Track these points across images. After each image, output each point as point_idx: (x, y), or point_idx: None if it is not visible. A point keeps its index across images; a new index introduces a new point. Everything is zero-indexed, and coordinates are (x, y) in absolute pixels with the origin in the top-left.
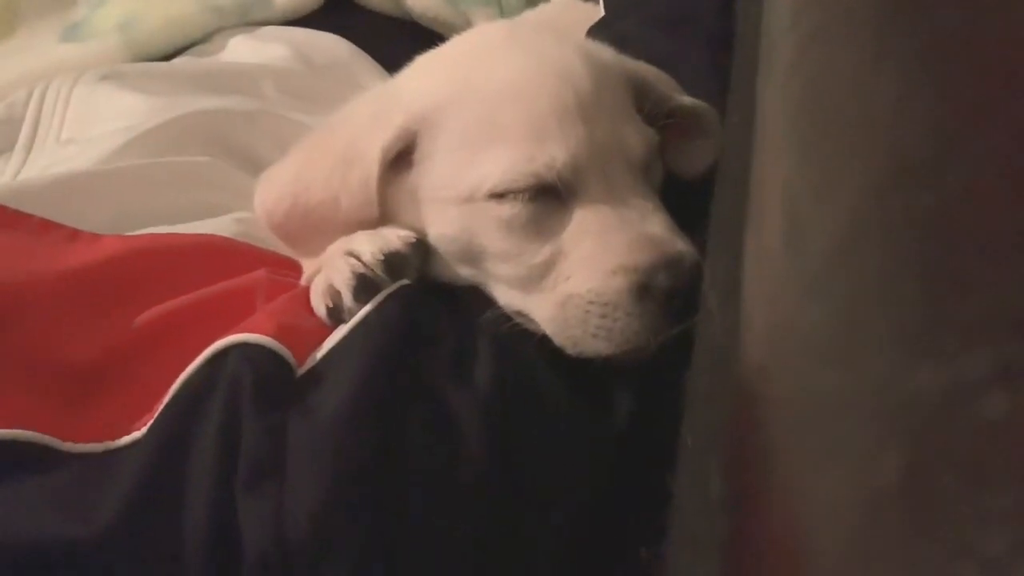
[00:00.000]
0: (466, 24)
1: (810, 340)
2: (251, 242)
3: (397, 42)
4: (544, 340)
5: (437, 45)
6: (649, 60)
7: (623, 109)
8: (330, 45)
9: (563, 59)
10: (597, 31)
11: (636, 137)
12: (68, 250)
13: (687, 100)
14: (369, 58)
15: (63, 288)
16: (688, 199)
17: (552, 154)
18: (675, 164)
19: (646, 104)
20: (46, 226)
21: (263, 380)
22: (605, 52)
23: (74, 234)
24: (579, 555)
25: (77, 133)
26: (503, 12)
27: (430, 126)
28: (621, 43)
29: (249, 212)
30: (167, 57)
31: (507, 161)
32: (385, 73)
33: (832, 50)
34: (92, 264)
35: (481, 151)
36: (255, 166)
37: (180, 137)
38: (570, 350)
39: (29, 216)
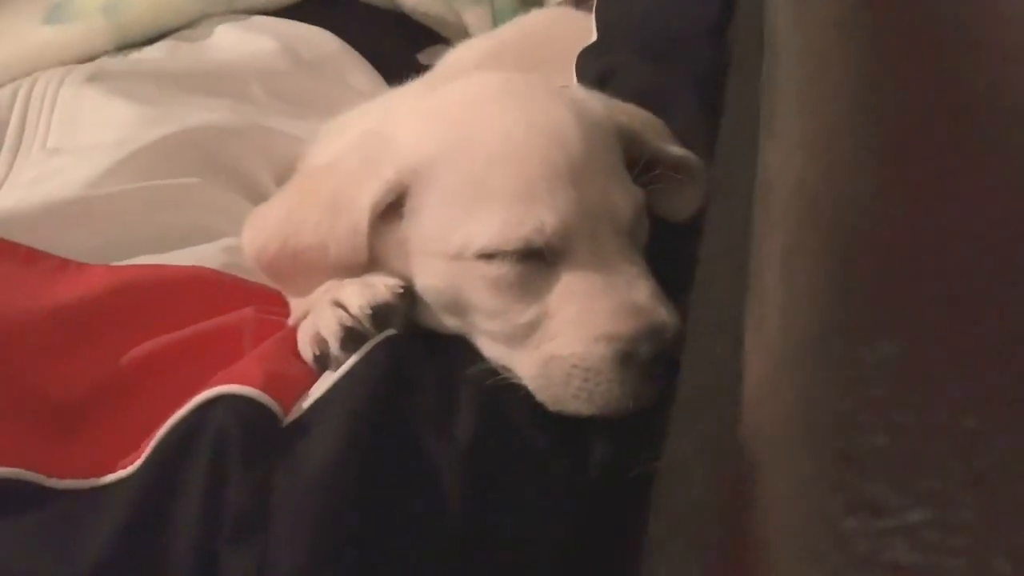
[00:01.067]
0: (457, 20)
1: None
2: (238, 274)
3: (387, 36)
4: (527, 393)
5: (427, 41)
6: (639, 94)
7: (613, 170)
8: (318, 40)
9: (555, 119)
10: (588, 57)
11: (625, 200)
12: (56, 282)
13: (675, 151)
14: (357, 54)
15: (51, 323)
16: (673, 242)
17: (542, 219)
18: (661, 209)
19: (635, 154)
20: (34, 256)
21: (250, 433)
22: (596, 105)
23: (62, 264)
24: None
25: (63, 141)
26: (494, 10)
27: (421, 180)
28: (611, 76)
29: (236, 237)
30: (152, 40)
31: (497, 223)
32: (373, 71)
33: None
34: (81, 298)
35: (471, 210)
36: (243, 184)
37: (169, 156)
38: (551, 407)
39: (17, 245)
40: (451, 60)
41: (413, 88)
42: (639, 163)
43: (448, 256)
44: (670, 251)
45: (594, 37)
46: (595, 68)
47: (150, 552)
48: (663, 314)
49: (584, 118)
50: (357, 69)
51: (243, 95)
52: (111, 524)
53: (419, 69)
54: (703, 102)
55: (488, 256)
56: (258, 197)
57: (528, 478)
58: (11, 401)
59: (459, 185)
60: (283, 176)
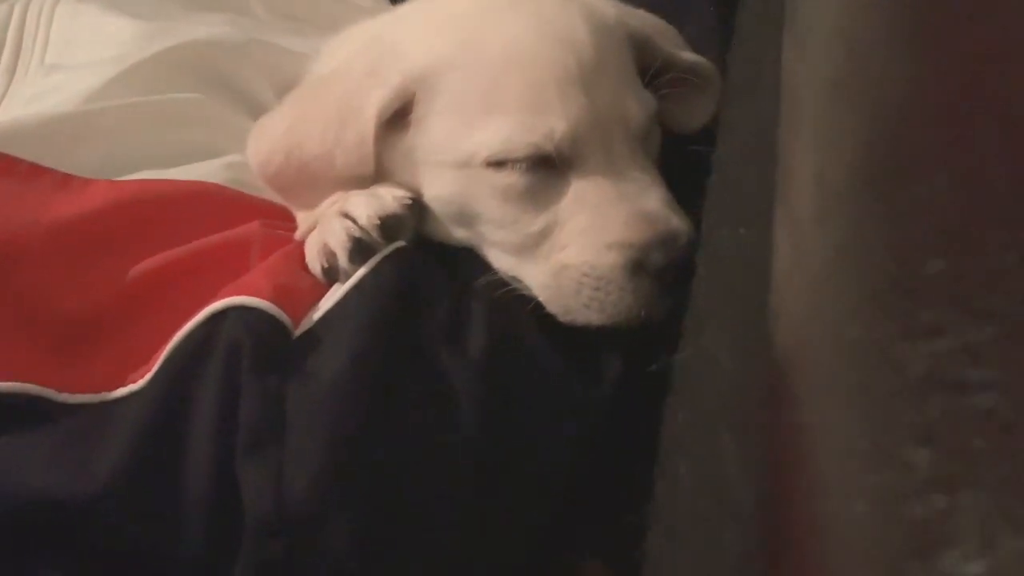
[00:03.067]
0: None
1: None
2: (242, 189)
3: None
4: (537, 305)
5: None
6: (652, 8)
7: (625, 75)
8: None
9: (566, 23)
10: None
11: (637, 106)
12: (59, 198)
13: (688, 56)
14: None
15: (55, 239)
16: (684, 154)
17: (551, 125)
18: (673, 118)
19: (647, 61)
20: (36, 171)
21: (261, 345)
22: (607, 9)
23: (65, 179)
24: (565, 517)
25: (61, 58)
26: None
27: (428, 88)
28: None
29: (239, 154)
30: None
31: (506, 130)
32: None
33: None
34: (84, 214)
35: (479, 117)
36: (245, 101)
37: (169, 71)
38: (562, 317)
39: (19, 160)
40: None
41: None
42: (651, 70)
43: (456, 165)
44: (681, 160)
45: None
46: None
47: (165, 464)
48: (675, 222)
49: (595, 23)
50: None
51: (243, 10)
52: (125, 437)
53: None
54: (716, 9)
55: (497, 164)
56: (260, 113)
57: (540, 391)
58: (18, 318)
59: (467, 92)
60: (285, 92)
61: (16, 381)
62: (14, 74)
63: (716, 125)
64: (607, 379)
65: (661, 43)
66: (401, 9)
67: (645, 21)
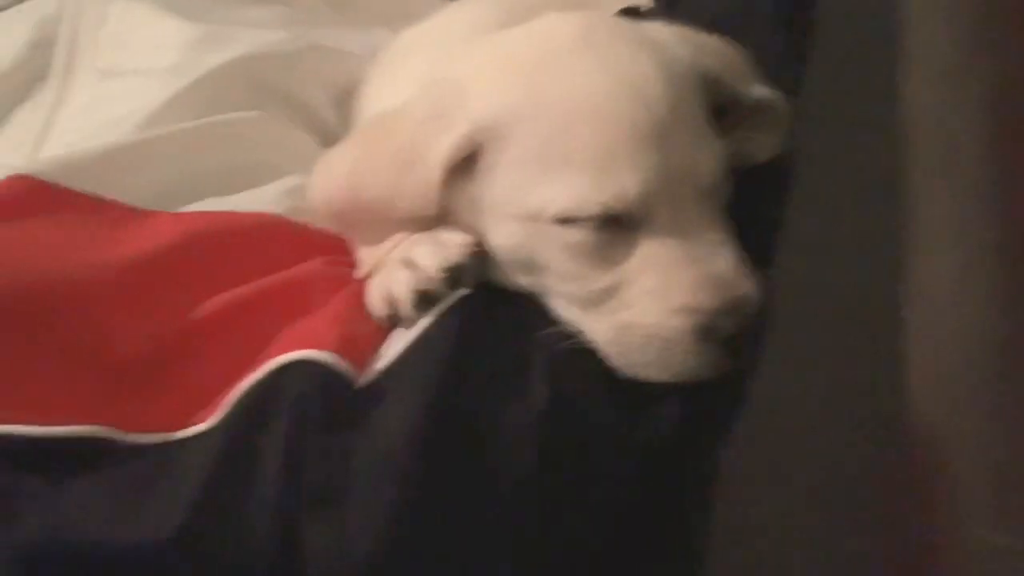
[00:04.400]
0: None
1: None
2: (303, 219)
3: None
4: (600, 357)
5: None
6: (719, 15)
7: (698, 127)
8: None
9: (639, 74)
10: None
11: (709, 161)
12: (122, 233)
13: (759, 92)
14: None
15: (120, 278)
16: (755, 188)
17: (623, 184)
18: (740, 151)
19: (718, 99)
20: (98, 205)
21: (326, 401)
22: (680, 51)
23: (127, 212)
24: (619, 560)
25: (115, 61)
26: None
27: (496, 138)
28: None
29: (298, 176)
30: None
31: (576, 188)
32: None
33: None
34: (148, 252)
35: (549, 172)
36: (302, 113)
37: (225, 89)
38: (625, 372)
39: (80, 194)
40: None
41: (478, 3)
42: (722, 108)
43: (523, 218)
44: (752, 198)
45: None
46: None
47: (229, 515)
48: (746, 287)
49: (669, 70)
50: None
51: (292, 1)
52: (190, 482)
53: None
54: (788, 27)
55: (565, 221)
56: (317, 126)
57: (600, 444)
58: (85, 358)
59: (536, 145)
60: (341, 98)
61: (83, 424)
62: (67, 76)
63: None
64: (667, 426)
65: (732, 80)
66: (460, 19)
67: (715, 54)
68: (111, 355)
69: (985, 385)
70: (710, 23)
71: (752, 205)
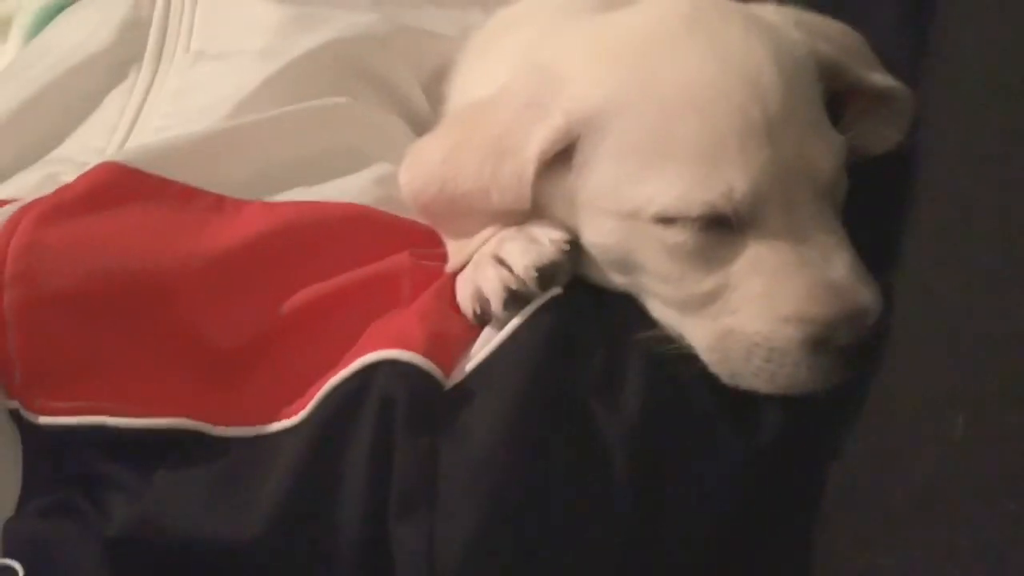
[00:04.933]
0: None
1: None
2: (393, 209)
3: None
4: (699, 363)
5: None
6: (829, 3)
7: (814, 120)
8: None
9: (750, 59)
10: None
11: (826, 156)
12: (213, 223)
13: (881, 80)
14: None
15: (210, 270)
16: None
17: (730, 182)
18: (858, 142)
19: (836, 86)
20: (189, 194)
21: (414, 401)
22: (795, 35)
23: (218, 202)
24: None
25: (206, 43)
26: None
27: (594, 130)
28: None
29: (388, 164)
30: None
31: (679, 185)
32: None
33: None
34: (238, 243)
35: (650, 166)
36: (393, 97)
37: (316, 73)
38: (726, 380)
39: (171, 183)
40: None
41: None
42: (839, 95)
43: (621, 215)
44: (871, 190)
45: None
46: None
47: (319, 511)
48: (864, 296)
49: (783, 56)
50: None
51: None
52: (281, 477)
53: None
54: (906, 5)
55: (667, 220)
56: (408, 110)
57: (697, 452)
58: (175, 350)
59: (637, 137)
60: (431, 81)
61: (175, 416)
62: (160, 59)
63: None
64: (767, 433)
65: (852, 66)
66: (565, 28)
67: (833, 39)
68: (202, 347)
69: None
70: (823, 5)
71: (872, 205)
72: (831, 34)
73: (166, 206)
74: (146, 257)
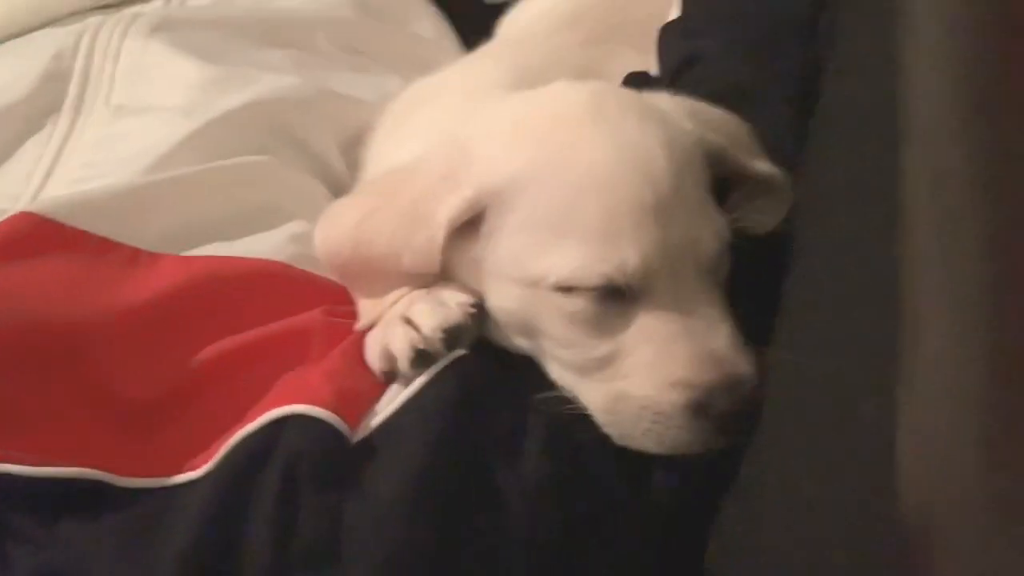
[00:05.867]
0: None
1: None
2: (307, 266)
3: None
4: (595, 425)
5: None
6: (724, 88)
7: (700, 203)
8: None
9: (645, 149)
10: (672, 36)
11: (710, 237)
12: (128, 276)
13: (762, 167)
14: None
15: (124, 322)
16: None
17: (624, 257)
18: (740, 223)
19: (721, 173)
20: (106, 246)
21: (320, 457)
22: (686, 131)
23: (134, 255)
24: None
25: (128, 97)
26: None
27: (501, 202)
28: (696, 61)
29: (304, 222)
30: None
31: (578, 258)
32: (439, 16)
33: None
34: (153, 296)
35: (552, 240)
36: (311, 159)
37: (238, 132)
38: (617, 441)
39: (88, 235)
40: (523, 18)
41: (487, 63)
42: (724, 181)
43: (523, 283)
44: (750, 268)
45: (676, 11)
46: (680, 50)
47: (222, 567)
48: (742, 366)
49: (675, 145)
50: (422, 14)
51: (308, 46)
52: (185, 529)
53: (484, 10)
54: (792, 104)
55: (566, 289)
56: (325, 172)
57: (594, 512)
58: (87, 401)
59: (540, 213)
60: (349, 143)
61: (80, 466)
62: (79, 112)
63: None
64: (661, 494)
65: (735, 154)
66: (469, 75)
67: (720, 129)
68: (111, 399)
69: (977, 450)
70: (715, 95)
71: (751, 281)
72: (719, 123)
73: (81, 258)
74: (59, 308)
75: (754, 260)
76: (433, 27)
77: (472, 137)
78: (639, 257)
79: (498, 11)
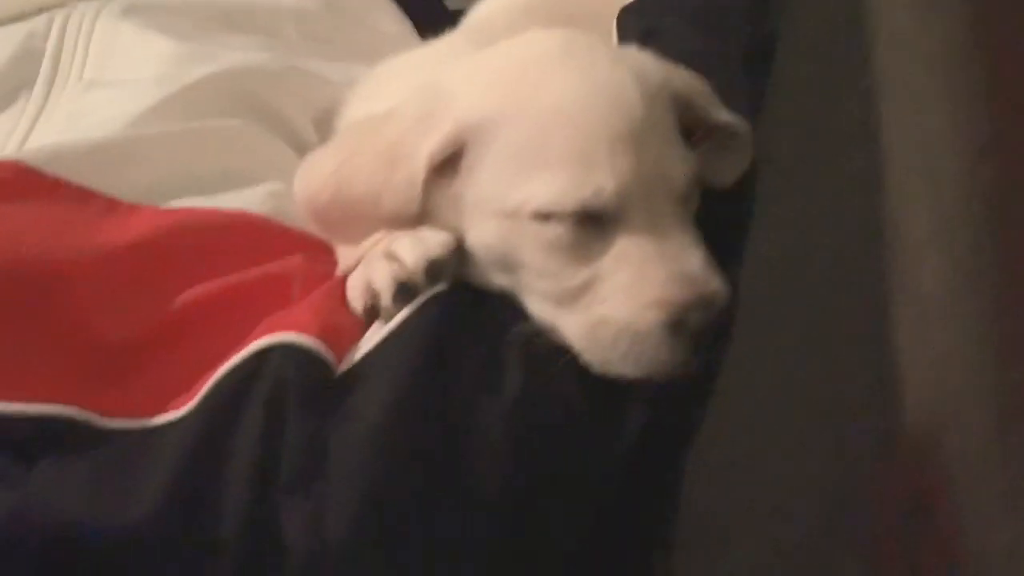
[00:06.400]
0: None
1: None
2: (284, 220)
3: None
4: (571, 355)
5: None
6: (680, 58)
7: (670, 137)
8: None
9: (617, 83)
10: (630, 16)
11: (681, 168)
12: (106, 223)
13: (724, 116)
14: None
15: (101, 265)
16: (717, 209)
17: (600, 183)
18: (705, 175)
19: (687, 121)
20: (83, 194)
21: (306, 384)
22: (654, 70)
23: (111, 204)
24: (586, 559)
25: (100, 73)
26: None
27: (479, 138)
28: (654, 35)
29: (280, 181)
30: None
31: (555, 185)
32: (400, 14)
33: None
34: (130, 241)
35: (529, 170)
36: (283, 129)
37: (210, 98)
38: (596, 368)
39: (67, 183)
40: (484, 11)
41: (454, 41)
42: (691, 130)
43: (503, 214)
44: (716, 217)
45: None
46: (637, 26)
47: (204, 497)
48: (716, 284)
49: (644, 83)
50: (384, 12)
51: (276, 33)
52: (165, 466)
53: (444, 12)
54: (748, 72)
55: (544, 217)
56: (298, 142)
57: (569, 439)
58: (61, 341)
59: (519, 145)
60: (321, 121)
61: (60, 403)
62: (52, 85)
63: (745, 183)
64: (633, 429)
65: (700, 102)
66: (440, 50)
67: (686, 81)
68: (90, 339)
69: (983, 391)
70: (677, 60)
71: (717, 223)
72: (683, 77)
73: (60, 205)
74: (36, 249)
75: (720, 208)
76: (394, 24)
77: (448, 81)
78: (614, 182)
79: (460, 17)
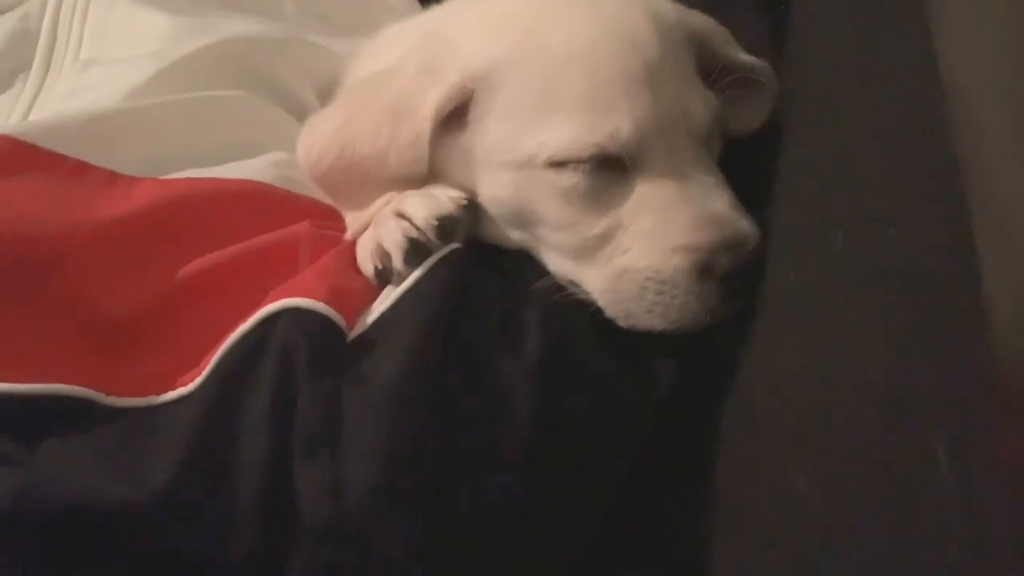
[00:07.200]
0: None
1: None
2: (290, 188)
3: None
4: (596, 310)
5: None
6: (701, 5)
7: (688, 75)
8: None
9: (630, 21)
10: None
11: (701, 106)
12: (106, 196)
13: (746, 59)
14: None
15: (103, 239)
16: (740, 155)
17: (617, 124)
18: (727, 120)
19: (707, 62)
20: (82, 168)
21: (316, 347)
22: (668, 9)
23: (111, 177)
24: (612, 523)
25: (97, 53)
26: None
27: (488, 86)
28: None
29: (284, 151)
30: None
31: (569, 130)
32: None
33: None
34: (132, 213)
35: (542, 117)
36: (285, 98)
37: (211, 68)
38: (622, 322)
39: (64, 157)
40: None
41: (459, 4)
42: (710, 72)
43: (516, 165)
44: (740, 162)
45: None
46: None
47: (217, 469)
48: (744, 224)
49: (658, 21)
50: None
51: (275, 12)
52: (176, 442)
53: None
54: (764, 14)
55: (559, 164)
56: (300, 112)
57: (592, 395)
58: (64, 319)
59: (529, 90)
60: (324, 92)
61: (62, 382)
62: (49, 68)
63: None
64: (661, 384)
65: (720, 44)
66: (452, 5)
67: (703, 22)
68: (94, 317)
69: None
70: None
71: (743, 167)
72: (702, 18)
73: (58, 179)
74: (36, 224)
75: (746, 156)
76: (404, 2)
77: (451, 30)
78: (631, 124)
79: None
